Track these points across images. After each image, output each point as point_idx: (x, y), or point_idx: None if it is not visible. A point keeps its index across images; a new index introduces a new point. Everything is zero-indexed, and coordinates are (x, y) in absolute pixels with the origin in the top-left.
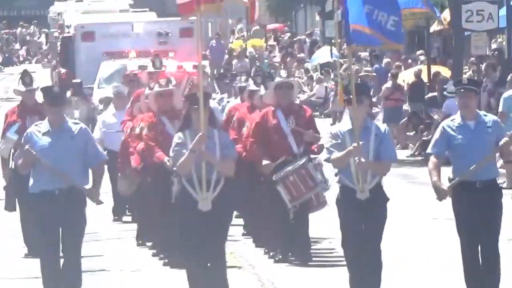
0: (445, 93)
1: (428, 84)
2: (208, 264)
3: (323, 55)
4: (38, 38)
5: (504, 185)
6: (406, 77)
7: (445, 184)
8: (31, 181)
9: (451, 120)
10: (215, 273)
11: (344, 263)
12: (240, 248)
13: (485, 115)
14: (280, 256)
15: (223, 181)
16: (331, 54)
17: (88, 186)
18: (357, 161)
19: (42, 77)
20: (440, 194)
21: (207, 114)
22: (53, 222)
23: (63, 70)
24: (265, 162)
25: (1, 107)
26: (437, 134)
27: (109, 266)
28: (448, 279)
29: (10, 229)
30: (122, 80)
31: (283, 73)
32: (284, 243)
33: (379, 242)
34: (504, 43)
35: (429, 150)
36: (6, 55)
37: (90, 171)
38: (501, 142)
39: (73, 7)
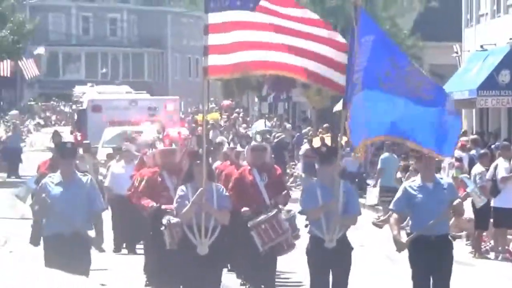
0: (343, 153)
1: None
2: None
3: (259, 125)
4: (64, 109)
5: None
6: (315, 142)
7: (404, 238)
8: (44, 226)
9: (412, 181)
10: None
11: None
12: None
13: (441, 178)
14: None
15: (219, 229)
16: (265, 124)
17: (92, 232)
18: (334, 215)
19: (68, 137)
20: (400, 246)
21: (207, 170)
22: (62, 260)
23: (78, 134)
24: (244, 209)
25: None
26: (399, 193)
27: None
28: None
29: None
30: (126, 140)
31: (258, 137)
32: (254, 277)
33: (346, 285)
34: None
35: (391, 207)
36: (43, 120)
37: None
38: (455, 202)
39: (91, 89)
